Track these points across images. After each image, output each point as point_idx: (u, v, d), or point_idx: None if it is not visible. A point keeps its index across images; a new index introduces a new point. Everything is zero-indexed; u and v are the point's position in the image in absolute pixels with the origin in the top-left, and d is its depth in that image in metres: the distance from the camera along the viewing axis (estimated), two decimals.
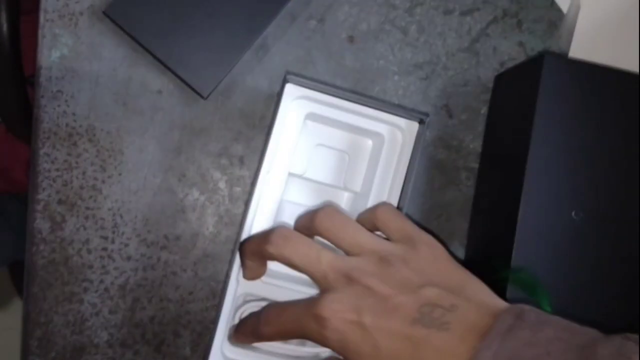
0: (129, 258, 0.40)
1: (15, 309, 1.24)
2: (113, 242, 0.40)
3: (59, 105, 0.39)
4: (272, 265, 0.37)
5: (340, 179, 0.40)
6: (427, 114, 0.37)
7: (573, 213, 0.36)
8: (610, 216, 0.36)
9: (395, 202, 0.37)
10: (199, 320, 0.41)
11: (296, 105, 0.37)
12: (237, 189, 0.41)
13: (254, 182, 0.37)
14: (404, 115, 0.37)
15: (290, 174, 0.38)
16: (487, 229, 0.40)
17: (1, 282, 1.19)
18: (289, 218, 0.38)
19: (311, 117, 0.38)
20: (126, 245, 0.40)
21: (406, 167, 0.38)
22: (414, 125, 0.38)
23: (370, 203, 0.38)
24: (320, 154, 0.40)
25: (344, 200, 0.40)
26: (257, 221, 0.37)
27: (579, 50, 0.40)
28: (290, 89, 0.37)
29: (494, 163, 0.40)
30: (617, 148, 0.36)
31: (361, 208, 0.38)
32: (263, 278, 0.37)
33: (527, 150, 0.36)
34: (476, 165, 0.42)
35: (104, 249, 0.40)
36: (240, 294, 0.37)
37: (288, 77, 0.36)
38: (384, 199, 0.38)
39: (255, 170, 0.40)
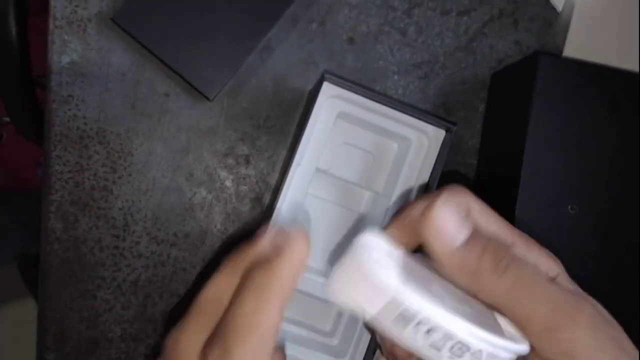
0: (140, 255, 0.42)
1: (25, 303, 1.26)
2: (124, 240, 0.41)
3: (69, 109, 0.40)
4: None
5: (363, 178, 0.41)
6: (454, 123, 0.38)
7: (569, 207, 0.37)
8: (606, 210, 0.37)
9: None
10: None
11: (330, 103, 0.38)
12: (244, 188, 0.42)
13: (285, 173, 0.38)
14: (432, 122, 0.39)
15: (317, 169, 0.40)
16: None
17: (11, 277, 1.21)
18: (312, 212, 0.40)
19: (342, 116, 0.39)
20: (137, 243, 0.42)
21: (429, 172, 0.39)
22: (441, 133, 0.39)
23: (391, 204, 0.39)
24: (346, 153, 0.41)
25: (365, 199, 0.41)
26: (284, 212, 0.38)
27: (573, 48, 0.41)
28: (326, 87, 0.38)
29: (491, 159, 0.42)
30: (611, 144, 0.37)
31: (382, 208, 0.39)
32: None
33: (523, 147, 0.37)
34: (474, 162, 0.43)
35: (116, 247, 0.41)
36: None
37: (326, 75, 0.38)
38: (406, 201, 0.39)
39: (283, 162, 0.42)
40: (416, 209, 0.31)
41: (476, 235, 0.28)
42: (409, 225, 0.31)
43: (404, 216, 0.32)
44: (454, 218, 0.28)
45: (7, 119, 0.56)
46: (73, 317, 0.41)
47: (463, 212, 0.29)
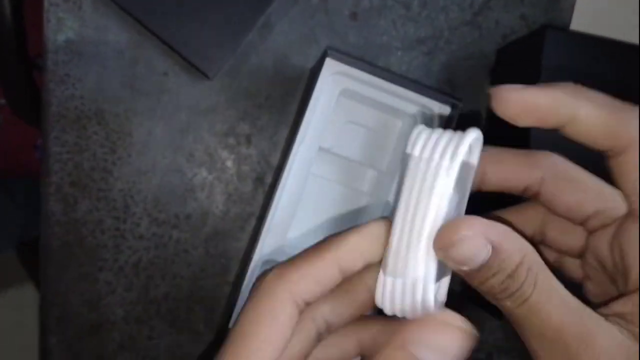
0: (141, 237, 0.41)
1: (24, 289, 1.26)
2: (125, 222, 0.41)
3: (67, 89, 0.40)
4: (293, 233, 0.39)
5: (366, 156, 0.41)
6: (460, 99, 0.37)
7: None
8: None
9: None
10: (212, 296, 0.42)
11: (332, 81, 0.38)
12: (245, 168, 0.41)
13: (287, 153, 0.38)
14: (437, 99, 0.38)
15: (320, 148, 0.39)
16: (493, 204, 0.40)
17: (10, 262, 1.21)
18: (315, 192, 0.39)
19: (345, 93, 0.38)
20: (138, 225, 0.41)
21: None
22: (446, 110, 0.38)
23: (395, 183, 0.38)
24: (350, 131, 0.40)
25: (368, 178, 0.40)
26: (287, 192, 0.38)
27: (580, 22, 0.40)
28: (329, 64, 0.37)
29: (497, 136, 0.41)
30: None
31: (385, 187, 0.38)
32: (286, 248, 0.38)
33: None
34: None
35: (117, 229, 0.41)
36: (261, 260, 0.38)
37: (328, 51, 0.37)
38: None
39: (285, 142, 0.41)
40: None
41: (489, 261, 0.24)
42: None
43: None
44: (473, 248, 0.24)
45: (3, 101, 0.55)
46: (75, 300, 0.41)
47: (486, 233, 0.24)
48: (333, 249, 0.25)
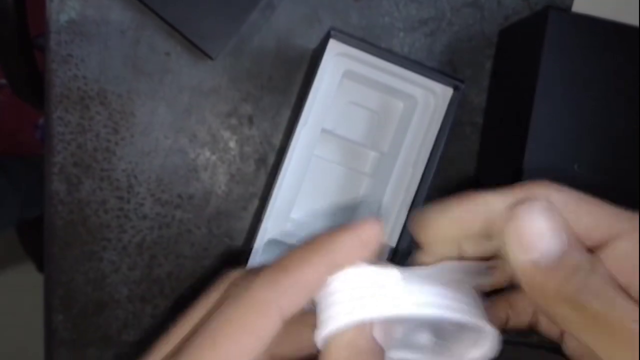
0: (144, 217, 0.41)
1: (24, 268, 1.27)
2: (129, 202, 0.41)
3: (69, 69, 0.40)
4: (296, 214, 0.39)
5: (368, 138, 0.41)
6: (462, 81, 0.37)
7: (576, 166, 0.37)
8: (612, 168, 0.37)
9: (422, 166, 0.38)
10: (214, 275, 0.42)
11: (336, 62, 0.38)
12: (247, 148, 0.42)
13: (290, 134, 0.38)
14: (439, 80, 0.38)
15: (323, 130, 0.39)
16: (493, 184, 0.41)
17: (10, 242, 1.21)
18: (317, 173, 0.40)
19: (348, 74, 0.38)
20: (141, 204, 0.41)
21: (436, 132, 0.38)
22: (448, 91, 0.38)
23: (397, 164, 0.39)
24: (352, 112, 0.41)
25: (370, 160, 0.41)
26: (290, 173, 0.38)
27: (582, 4, 0.40)
28: (332, 45, 0.37)
29: (498, 117, 0.41)
30: (620, 101, 0.37)
31: (387, 168, 0.39)
32: (289, 229, 0.38)
33: (531, 105, 0.36)
34: (480, 120, 0.43)
35: (120, 209, 0.41)
36: (265, 240, 0.38)
37: (332, 32, 0.37)
38: (412, 161, 0.38)
39: (288, 123, 0.41)
40: (496, 201, 0.24)
41: (567, 253, 0.23)
42: (480, 214, 0.25)
43: (473, 200, 0.25)
44: (546, 230, 0.23)
45: (4, 81, 0.55)
46: (79, 279, 0.41)
47: (557, 219, 0.23)
48: (323, 252, 0.24)
